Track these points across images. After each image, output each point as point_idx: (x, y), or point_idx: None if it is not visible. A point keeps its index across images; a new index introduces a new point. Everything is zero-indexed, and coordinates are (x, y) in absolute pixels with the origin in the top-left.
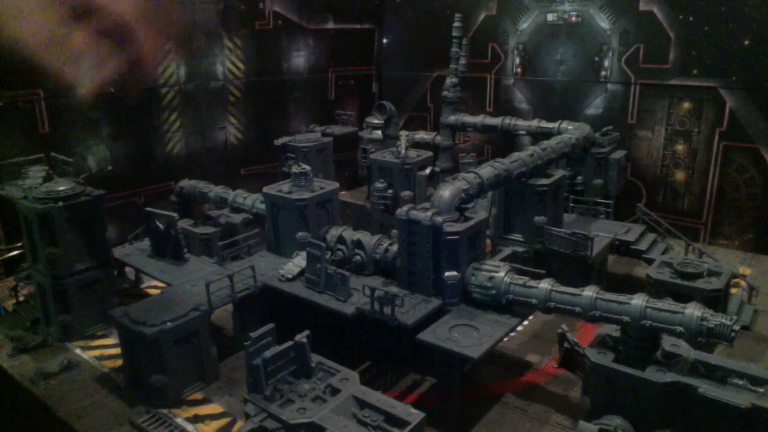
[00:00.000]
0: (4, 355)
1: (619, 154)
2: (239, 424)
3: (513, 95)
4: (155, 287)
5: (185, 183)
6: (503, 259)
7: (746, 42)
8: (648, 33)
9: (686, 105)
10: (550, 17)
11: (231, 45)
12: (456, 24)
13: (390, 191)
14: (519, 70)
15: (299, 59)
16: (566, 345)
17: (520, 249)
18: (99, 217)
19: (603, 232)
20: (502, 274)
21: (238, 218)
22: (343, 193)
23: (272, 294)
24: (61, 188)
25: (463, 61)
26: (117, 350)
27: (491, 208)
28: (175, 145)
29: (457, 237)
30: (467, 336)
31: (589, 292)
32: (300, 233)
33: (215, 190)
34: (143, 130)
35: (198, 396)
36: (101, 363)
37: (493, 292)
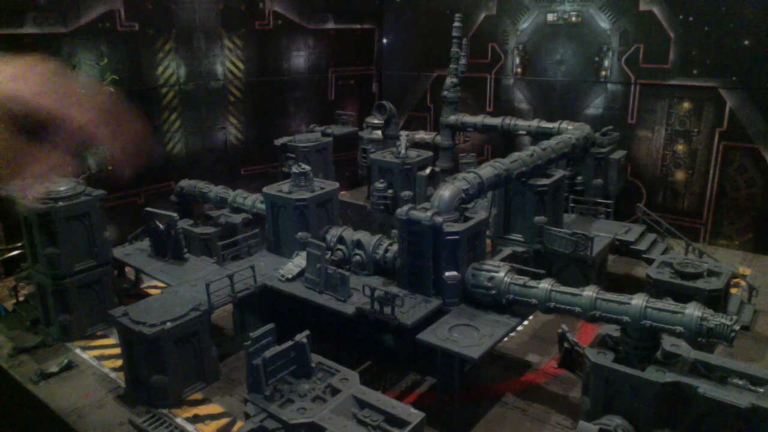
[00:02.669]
0: (4, 355)
1: (619, 154)
2: (239, 424)
3: (513, 95)
4: (155, 287)
5: (185, 183)
6: (503, 259)
7: (746, 42)
8: (648, 33)
9: (686, 105)
10: (550, 17)
11: (231, 45)
12: (456, 24)
13: (390, 191)
14: (519, 70)
15: (299, 59)
16: (566, 345)
17: (520, 249)
18: (99, 217)
19: (603, 232)
20: (502, 274)
21: (238, 218)
22: (343, 193)
23: (272, 294)
24: (61, 188)
25: (463, 61)
26: (117, 350)
27: (491, 208)
28: (175, 145)
29: (457, 237)
30: (467, 336)
31: (589, 292)
32: (300, 233)
33: (215, 190)
34: (143, 130)
35: (198, 396)
36: (101, 363)
37: (493, 292)
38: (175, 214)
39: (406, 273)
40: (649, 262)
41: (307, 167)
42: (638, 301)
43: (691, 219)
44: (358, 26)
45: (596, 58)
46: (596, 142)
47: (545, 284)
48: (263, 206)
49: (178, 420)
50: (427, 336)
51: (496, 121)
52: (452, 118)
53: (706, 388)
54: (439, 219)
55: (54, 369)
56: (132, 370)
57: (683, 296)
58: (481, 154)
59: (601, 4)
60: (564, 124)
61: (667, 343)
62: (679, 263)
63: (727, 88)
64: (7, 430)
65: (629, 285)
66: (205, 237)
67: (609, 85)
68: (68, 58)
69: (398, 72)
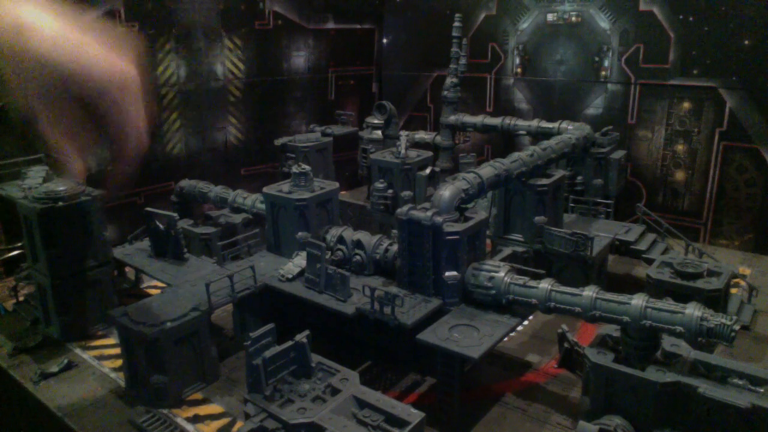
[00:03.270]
0: (4, 355)
1: (619, 154)
2: (239, 424)
3: (513, 95)
4: (155, 287)
5: (185, 183)
6: (503, 259)
7: (746, 42)
8: (648, 33)
9: (686, 105)
10: (550, 17)
11: (231, 45)
12: (456, 24)
13: (390, 191)
14: (519, 70)
15: (299, 59)
16: (566, 345)
17: (520, 249)
18: (99, 217)
19: (603, 232)
20: (502, 274)
21: (238, 218)
22: (343, 193)
23: (272, 294)
24: (61, 188)
25: (463, 61)
26: (117, 350)
27: (491, 208)
28: (175, 145)
29: (457, 237)
30: (467, 336)
31: (589, 292)
32: (300, 233)
33: (215, 190)
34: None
35: (198, 396)
36: (101, 363)
37: (493, 292)
38: (175, 214)
39: (406, 273)
40: (649, 262)
41: (307, 167)
42: (638, 301)
43: (691, 219)
44: (358, 26)
45: (596, 58)
46: (596, 142)
47: (545, 284)
48: (263, 206)
49: (178, 420)
50: (427, 336)
51: (496, 121)
52: (452, 118)
53: (706, 388)
54: (439, 219)
55: (54, 369)
56: (132, 370)
57: (683, 296)
58: (481, 154)
59: (601, 4)
60: (564, 124)
61: (667, 343)
62: (679, 263)
63: (727, 88)
64: (7, 430)
65: (629, 285)
66: (205, 237)
67: (609, 85)
68: None
69: (398, 72)
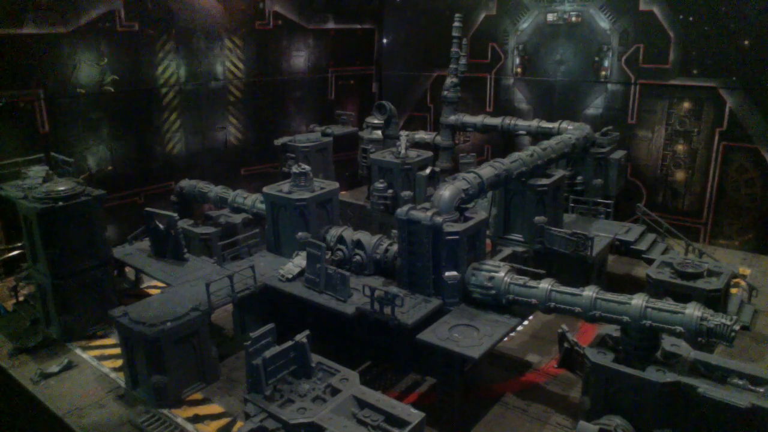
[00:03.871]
0: (4, 355)
1: (619, 154)
2: (239, 424)
3: (513, 95)
4: (155, 287)
5: (185, 183)
6: (503, 259)
7: (746, 42)
8: (648, 33)
9: (686, 105)
10: (550, 17)
11: (231, 45)
12: (456, 24)
13: (390, 191)
14: (519, 70)
15: (299, 59)
16: (566, 345)
17: (520, 249)
18: (99, 217)
19: (603, 232)
20: (502, 274)
21: (238, 218)
22: (343, 193)
23: (272, 294)
24: (61, 188)
25: (463, 61)
26: (117, 350)
27: (491, 208)
28: (175, 145)
29: (457, 237)
30: (467, 336)
31: (589, 292)
32: (300, 233)
33: (215, 190)
34: (143, 130)
35: (198, 396)
36: (101, 363)
37: (493, 292)
38: (175, 214)
39: (406, 273)
40: (649, 262)
41: (307, 167)
42: (638, 301)
43: (691, 219)
44: (358, 26)
45: (596, 58)
46: (596, 142)
47: (545, 284)
48: (263, 206)
49: (178, 420)
50: (427, 336)
51: (496, 121)
52: (452, 118)
53: (706, 388)
54: (439, 219)
55: (54, 369)
56: (132, 370)
57: (683, 296)
58: (481, 154)
59: (601, 4)
60: (564, 124)
61: (667, 343)
62: (679, 263)
63: (727, 88)
64: (7, 430)
65: (629, 285)
66: (205, 237)
67: (609, 85)
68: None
69: (398, 72)
